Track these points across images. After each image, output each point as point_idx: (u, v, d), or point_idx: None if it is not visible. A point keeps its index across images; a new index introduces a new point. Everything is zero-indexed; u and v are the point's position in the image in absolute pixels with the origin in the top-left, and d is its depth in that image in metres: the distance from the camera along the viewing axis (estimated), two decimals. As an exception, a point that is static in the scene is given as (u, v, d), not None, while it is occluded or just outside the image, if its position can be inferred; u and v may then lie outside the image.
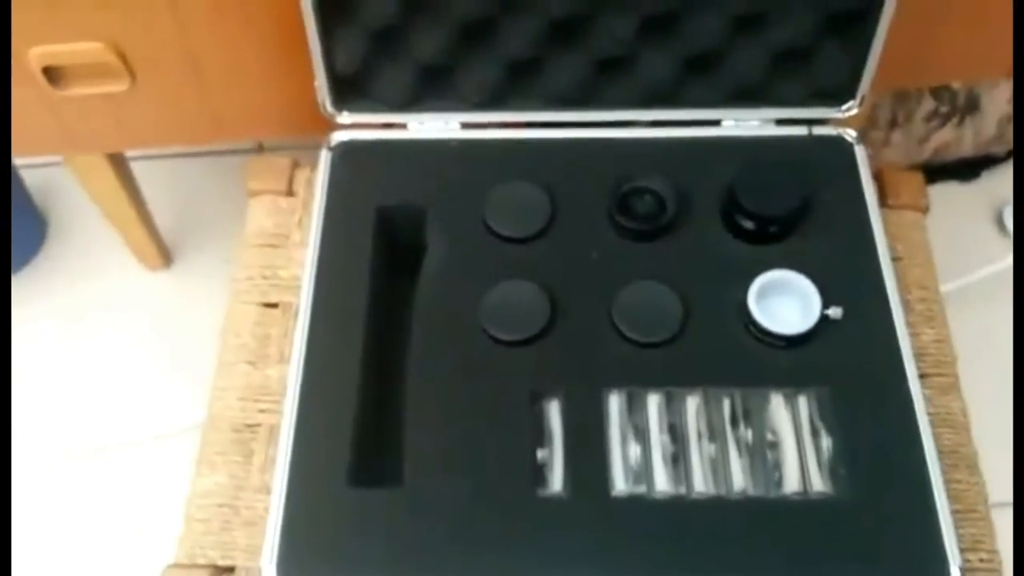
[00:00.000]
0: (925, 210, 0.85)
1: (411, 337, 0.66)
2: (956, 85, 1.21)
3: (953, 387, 0.74)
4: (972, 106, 1.22)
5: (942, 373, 0.75)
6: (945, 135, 1.25)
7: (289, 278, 0.78)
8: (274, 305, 0.78)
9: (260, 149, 1.30)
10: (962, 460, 0.69)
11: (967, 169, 1.34)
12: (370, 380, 0.65)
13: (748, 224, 0.69)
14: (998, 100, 1.22)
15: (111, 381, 1.19)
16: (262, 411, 0.73)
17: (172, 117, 0.93)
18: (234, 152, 1.30)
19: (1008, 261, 1.17)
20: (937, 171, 1.32)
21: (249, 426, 0.73)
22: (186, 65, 0.86)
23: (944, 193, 1.32)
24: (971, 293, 1.18)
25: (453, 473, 0.61)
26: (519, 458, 0.61)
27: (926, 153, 1.28)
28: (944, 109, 1.22)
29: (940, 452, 0.66)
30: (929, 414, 0.66)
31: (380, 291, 0.69)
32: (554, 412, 0.64)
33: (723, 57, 0.72)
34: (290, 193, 0.84)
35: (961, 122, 1.24)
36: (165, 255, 1.28)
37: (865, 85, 0.73)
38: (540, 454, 0.63)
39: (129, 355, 1.21)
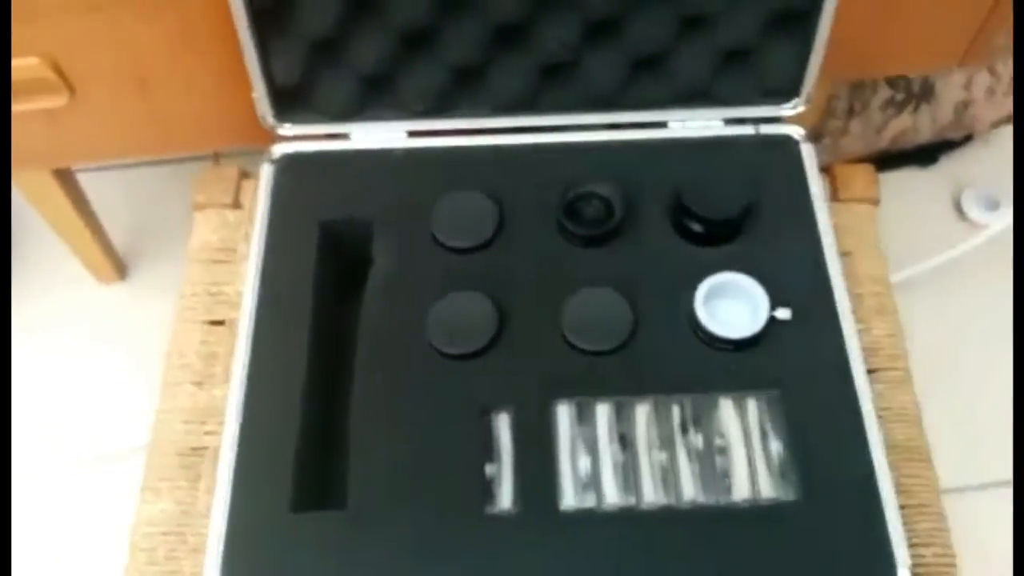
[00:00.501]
0: (876, 202, 0.85)
1: (356, 353, 0.65)
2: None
3: (904, 381, 0.74)
4: (927, 93, 1.23)
5: (894, 368, 0.75)
6: (902, 122, 1.26)
7: (235, 294, 0.76)
8: (220, 323, 0.77)
9: (216, 158, 1.28)
10: (915, 454, 0.69)
11: (925, 155, 1.34)
12: (314, 399, 0.64)
13: (696, 227, 0.69)
14: (953, 86, 1.23)
15: (63, 397, 1.17)
16: (208, 433, 0.71)
17: (116, 130, 0.91)
18: (191, 160, 1.28)
19: (966, 246, 1.18)
20: (896, 158, 1.33)
21: (195, 449, 0.72)
22: (129, 78, 0.84)
23: (903, 179, 1.33)
24: (930, 278, 1.19)
25: (399, 493, 0.60)
26: (467, 475, 0.61)
27: (884, 141, 1.28)
28: (900, 97, 1.22)
29: (892, 447, 0.66)
30: (880, 411, 0.67)
31: (324, 307, 0.68)
32: (503, 426, 0.64)
33: (668, 59, 0.72)
34: (237, 205, 0.82)
35: (917, 109, 1.24)
36: (119, 268, 1.25)
37: (810, 82, 0.73)
38: (488, 469, 0.62)
39: (82, 371, 1.19)
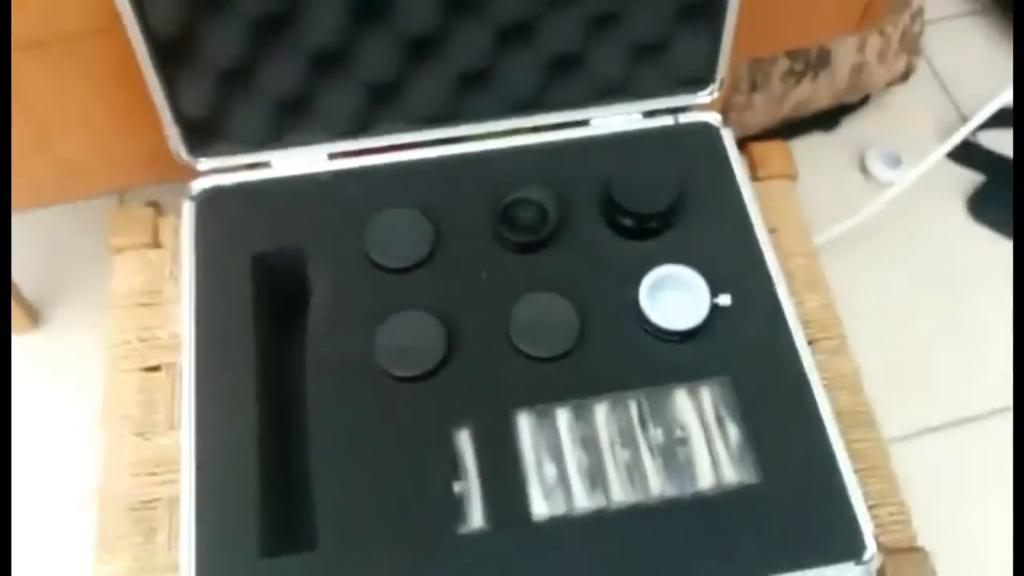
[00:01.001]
0: (794, 177, 0.87)
1: (307, 387, 0.64)
2: (807, 43, 1.25)
3: (842, 348, 0.77)
4: (823, 60, 1.27)
5: (830, 336, 0.77)
6: (802, 91, 1.29)
7: (168, 337, 0.74)
8: (156, 368, 0.74)
9: (120, 195, 1.23)
10: (859, 419, 0.72)
11: (827, 119, 1.39)
12: (270, 438, 0.62)
13: (629, 222, 0.70)
14: (847, 52, 1.27)
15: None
16: (160, 484, 0.69)
17: (17, 180, 0.87)
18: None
19: (875, 206, 1.22)
20: (799, 125, 1.37)
21: (147, 502, 0.69)
22: (25, 124, 0.80)
23: (808, 145, 1.37)
24: (842, 241, 1.23)
25: (370, 526, 0.59)
26: (436, 497, 0.60)
27: (786, 110, 1.32)
28: (798, 67, 1.26)
29: (838, 413, 0.68)
30: (823, 379, 0.69)
31: (268, 343, 0.66)
32: (465, 442, 0.63)
33: (583, 58, 0.72)
34: (156, 244, 0.79)
35: (815, 77, 1.28)
36: (31, 315, 1.19)
37: (723, 68, 0.74)
38: (457, 487, 0.62)
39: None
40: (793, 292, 0.75)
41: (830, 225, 1.21)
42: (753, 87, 1.26)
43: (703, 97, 0.76)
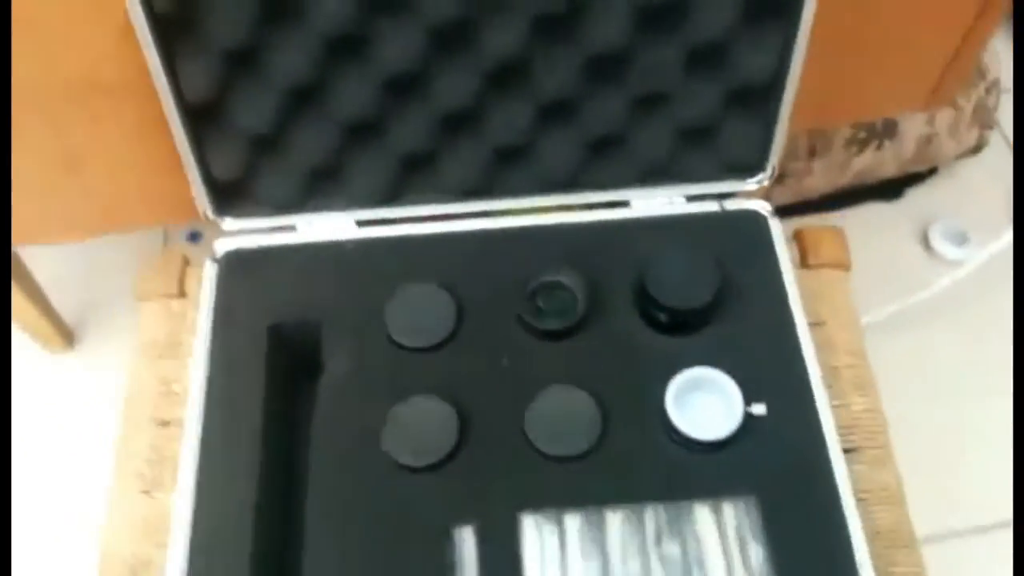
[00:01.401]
0: (847, 267, 0.82)
1: (310, 467, 0.62)
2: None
3: (885, 459, 0.72)
4: (889, 130, 1.21)
5: (875, 445, 0.73)
6: (865, 160, 1.24)
7: (185, 391, 0.72)
8: (169, 423, 0.72)
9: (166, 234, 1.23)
10: (899, 539, 0.67)
11: (890, 189, 1.33)
12: (266, 517, 0.60)
13: (663, 317, 0.66)
14: (915, 121, 1.22)
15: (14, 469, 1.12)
16: (159, 546, 0.67)
17: (54, 213, 0.87)
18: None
19: (937, 286, 1.16)
20: (860, 193, 1.31)
21: (145, 564, 0.68)
22: (62, 163, 0.80)
23: (869, 214, 1.31)
24: (901, 319, 1.17)
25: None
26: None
27: (848, 177, 1.27)
28: (862, 135, 1.20)
29: (875, 534, 0.64)
30: (861, 493, 0.64)
31: (276, 415, 0.63)
32: (468, 543, 0.60)
33: (626, 137, 0.69)
34: (182, 294, 0.78)
35: (880, 146, 1.23)
36: (66, 336, 1.20)
37: (775, 156, 0.70)
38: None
39: (28, 445, 1.13)
40: (836, 394, 0.70)
41: (884, 302, 1.15)
42: (812, 153, 1.21)
43: (751, 184, 0.72)
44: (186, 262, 0.79)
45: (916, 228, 1.32)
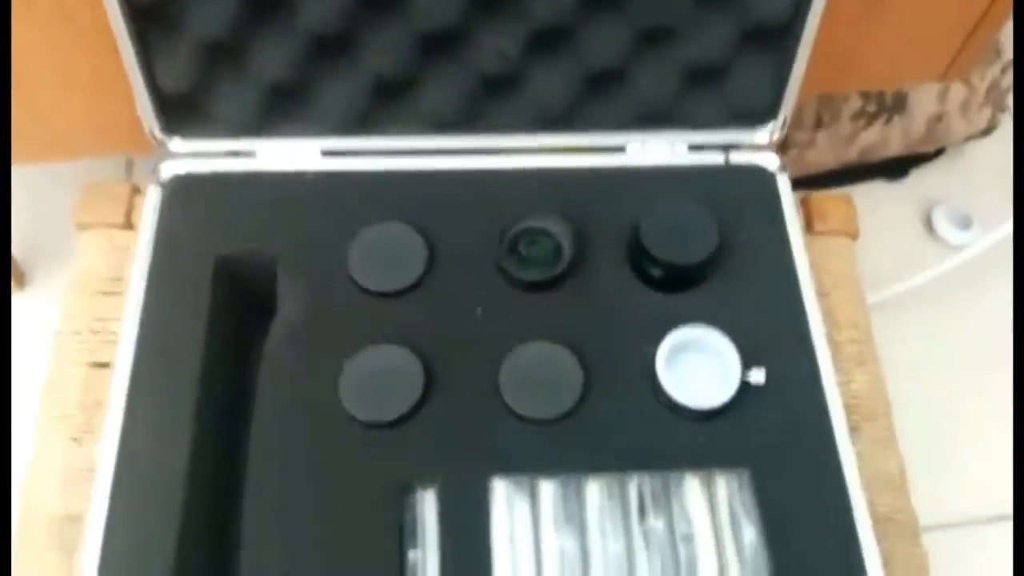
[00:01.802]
0: (855, 236, 0.77)
1: (254, 419, 0.55)
2: (883, 83, 1.14)
3: (888, 441, 0.67)
4: (899, 105, 1.15)
5: (876, 424, 0.67)
6: (872, 135, 1.18)
7: (125, 332, 0.66)
8: (105, 365, 0.65)
9: (130, 165, 1.15)
10: (901, 529, 0.61)
11: (895, 168, 1.27)
12: (200, 474, 0.53)
13: (657, 272, 0.60)
14: (926, 98, 1.16)
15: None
16: (88, 500, 0.61)
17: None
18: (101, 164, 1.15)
19: (937, 269, 1.11)
20: (863, 171, 1.25)
21: (71, 517, 0.61)
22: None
23: (871, 193, 1.25)
24: (895, 302, 1.12)
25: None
26: (385, 567, 0.51)
27: (852, 153, 1.20)
28: (871, 108, 1.14)
29: (876, 521, 0.58)
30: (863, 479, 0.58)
31: (218, 362, 0.57)
32: (428, 506, 0.54)
33: (627, 74, 0.62)
34: (128, 226, 0.71)
35: (889, 121, 1.17)
36: (18, 276, 1.13)
37: (788, 105, 0.64)
38: (411, 556, 0.52)
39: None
40: (840, 369, 0.64)
41: (884, 284, 1.10)
42: (819, 124, 1.14)
43: (761, 136, 0.65)
44: (135, 191, 0.72)
45: (919, 210, 1.26)
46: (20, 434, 1.01)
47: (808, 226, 0.73)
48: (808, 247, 0.68)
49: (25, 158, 0.85)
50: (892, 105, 1.15)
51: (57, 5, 0.65)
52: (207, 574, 0.51)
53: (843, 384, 0.65)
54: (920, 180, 1.27)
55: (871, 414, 0.67)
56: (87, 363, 0.67)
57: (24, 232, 1.13)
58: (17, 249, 1.12)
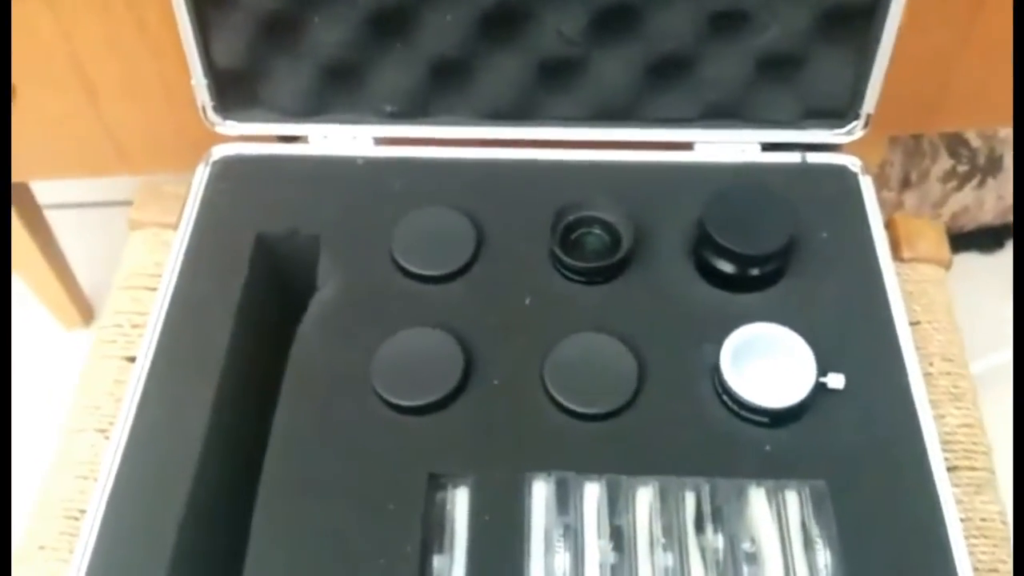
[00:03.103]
0: (948, 265, 0.70)
1: (280, 401, 0.51)
2: (975, 143, 1.08)
3: (988, 485, 0.59)
4: (993, 166, 1.09)
5: (974, 467, 0.59)
6: (964, 198, 1.11)
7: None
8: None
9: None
10: (1003, 583, 0.53)
11: (988, 238, 1.19)
12: (213, 462, 0.49)
13: (723, 266, 0.54)
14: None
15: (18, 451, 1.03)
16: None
17: (64, 141, 0.81)
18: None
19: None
20: (955, 240, 1.17)
21: (84, 511, 0.58)
22: (74, 76, 0.74)
23: (962, 265, 1.17)
24: (991, 379, 1.02)
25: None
26: (407, 568, 0.45)
27: (943, 219, 1.13)
28: (963, 168, 1.08)
29: (974, 571, 0.50)
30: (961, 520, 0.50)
31: (247, 341, 0.53)
32: (459, 504, 0.48)
33: (695, 63, 0.59)
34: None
35: (982, 183, 1.10)
36: (85, 312, 1.14)
37: (871, 100, 0.59)
38: (437, 562, 0.46)
39: (40, 421, 1.05)
40: (931, 403, 0.57)
41: (973, 357, 1.01)
42: (906, 184, 1.09)
43: (841, 136, 0.61)
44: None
45: (1010, 287, 1.17)
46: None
47: (895, 252, 0.67)
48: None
49: (92, 171, 0.86)
50: (986, 165, 1.08)
51: (131, 12, 0.67)
52: (209, 565, 0.47)
53: (936, 419, 0.57)
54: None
55: (967, 453, 0.60)
56: (123, 356, 0.65)
57: (93, 271, 1.14)
58: (86, 284, 1.14)
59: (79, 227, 1.11)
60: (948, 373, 0.64)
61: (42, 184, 0.94)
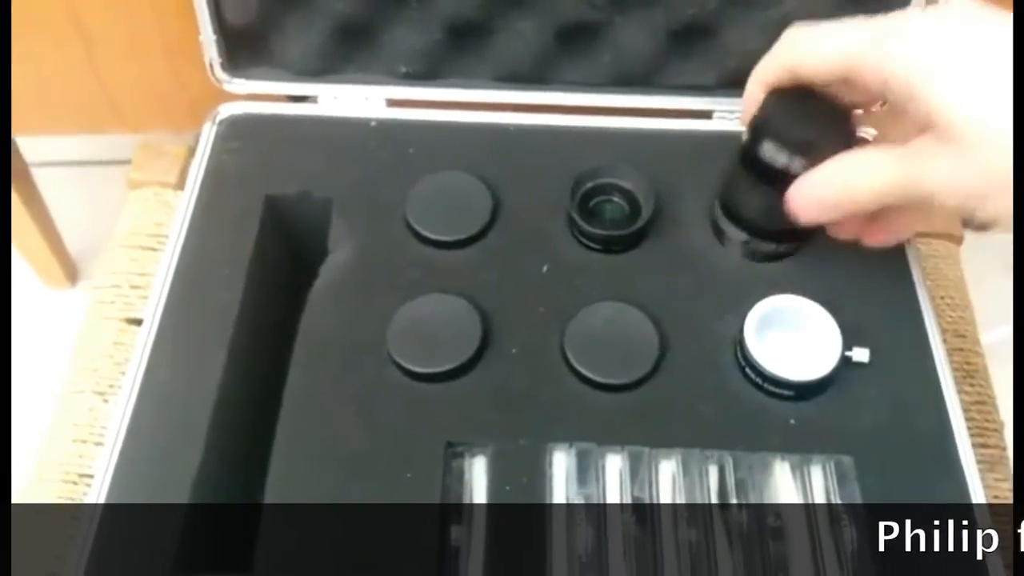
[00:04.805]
0: (959, 240, 0.70)
1: (291, 365, 0.49)
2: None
3: (1000, 462, 0.59)
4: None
5: (987, 444, 0.59)
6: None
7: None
8: (138, 322, 0.61)
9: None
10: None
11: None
12: (224, 424, 0.47)
13: (741, 236, 0.53)
14: None
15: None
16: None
17: (58, 95, 0.78)
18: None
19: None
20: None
21: (84, 476, 0.56)
22: (71, 26, 0.71)
23: (969, 238, 1.17)
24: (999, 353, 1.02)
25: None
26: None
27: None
28: None
29: (991, 546, 0.49)
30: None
31: (258, 304, 0.52)
32: (478, 473, 0.47)
33: (717, 30, 0.57)
34: (180, 187, 0.68)
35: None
36: (70, 273, 1.11)
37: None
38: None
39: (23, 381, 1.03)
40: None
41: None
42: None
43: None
44: (192, 153, 0.69)
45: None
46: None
47: (906, 227, 0.67)
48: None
49: (87, 127, 0.84)
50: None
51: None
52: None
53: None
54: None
55: (981, 431, 0.60)
56: (122, 318, 0.63)
57: (79, 230, 1.11)
58: (71, 246, 1.11)
59: (63, 185, 1.08)
60: (960, 349, 0.64)
61: (28, 140, 0.91)
